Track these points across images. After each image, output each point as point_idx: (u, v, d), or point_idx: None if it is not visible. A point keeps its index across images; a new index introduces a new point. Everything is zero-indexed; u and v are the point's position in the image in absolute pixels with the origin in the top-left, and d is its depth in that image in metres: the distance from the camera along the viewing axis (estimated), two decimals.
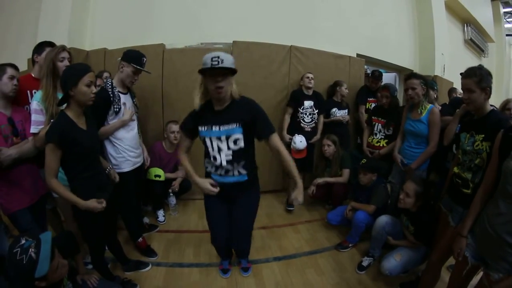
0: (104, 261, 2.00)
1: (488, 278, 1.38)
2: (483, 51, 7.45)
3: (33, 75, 2.11)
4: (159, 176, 3.01)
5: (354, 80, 4.09)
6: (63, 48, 1.97)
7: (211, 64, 1.51)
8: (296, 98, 3.46)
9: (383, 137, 3.00)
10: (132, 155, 2.27)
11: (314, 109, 3.45)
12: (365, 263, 2.43)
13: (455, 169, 1.75)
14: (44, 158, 1.58)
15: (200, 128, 1.75)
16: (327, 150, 3.18)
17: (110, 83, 2.12)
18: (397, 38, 4.99)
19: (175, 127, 3.12)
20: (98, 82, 2.66)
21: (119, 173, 2.14)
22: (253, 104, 1.77)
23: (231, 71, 1.58)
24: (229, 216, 1.98)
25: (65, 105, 1.63)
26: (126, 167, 2.24)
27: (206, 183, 1.82)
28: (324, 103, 3.58)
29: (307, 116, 3.44)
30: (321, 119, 3.56)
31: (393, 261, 2.11)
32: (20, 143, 1.82)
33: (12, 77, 1.81)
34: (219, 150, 1.74)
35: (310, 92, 3.48)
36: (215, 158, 1.76)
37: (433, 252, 1.91)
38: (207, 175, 1.90)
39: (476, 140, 1.60)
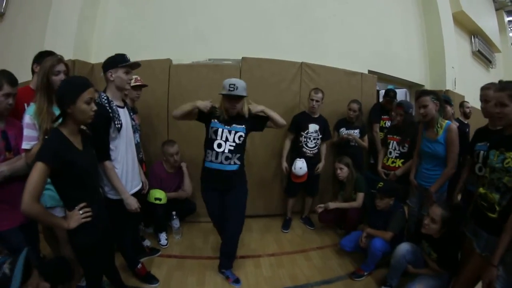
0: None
1: None
2: (490, 62, 7.33)
3: (31, 87, 2.01)
4: (160, 200, 2.88)
5: (367, 97, 3.97)
6: (59, 60, 1.86)
7: (228, 90, 2.11)
8: (298, 123, 3.32)
9: (398, 155, 2.91)
10: (129, 178, 2.07)
11: (319, 134, 3.31)
12: None
13: (481, 190, 1.67)
14: None
15: (213, 121, 2.24)
16: (340, 173, 3.08)
17: (105, 97, 1.90)
18: (407, 53, 4.92)
19: (172, 149, 2.99)
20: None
21: (113, 200, 1.96)
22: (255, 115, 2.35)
23: (243, 97, 2.18)
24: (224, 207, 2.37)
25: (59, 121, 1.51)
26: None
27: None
28: (328, 130, 3.43)
29: (311, 141, 3.29)
30: (325, 146, 3.44)
31: None
32: (13, 159, 1.73)
33: (7, 95, 1.70)
34: (226, 139, 2.21)
35: (316, 115, 3.34)
36: (219, 146, 2.21)
37: (457, 281, 1.84)
38: (206, 164, 2.29)
39: (506, 157, 1.54)
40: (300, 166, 3.17)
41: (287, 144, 3.39)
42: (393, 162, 2.92)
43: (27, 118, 1.71)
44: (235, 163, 2.25)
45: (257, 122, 2.34)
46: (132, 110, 2.47)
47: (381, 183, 2.61)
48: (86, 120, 1.50)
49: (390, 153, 2.96)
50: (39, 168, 1.32)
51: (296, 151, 3.33)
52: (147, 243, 2.91)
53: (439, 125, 2.33)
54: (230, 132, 2.21)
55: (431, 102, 2.32)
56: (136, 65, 2.05)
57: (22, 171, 1.70)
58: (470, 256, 1.74)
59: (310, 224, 3.53)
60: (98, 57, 3.59)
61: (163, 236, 2.99)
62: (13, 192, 1.69)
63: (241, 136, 2.24)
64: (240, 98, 2.16)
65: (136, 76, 2.72)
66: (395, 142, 2.94)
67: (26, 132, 1.70)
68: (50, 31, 3.47)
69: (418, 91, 2.49)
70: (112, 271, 2.04)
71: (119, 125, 1.92)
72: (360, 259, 2.67)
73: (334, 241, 3.13)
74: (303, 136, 3.29)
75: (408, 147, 2.84)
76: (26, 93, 1.95)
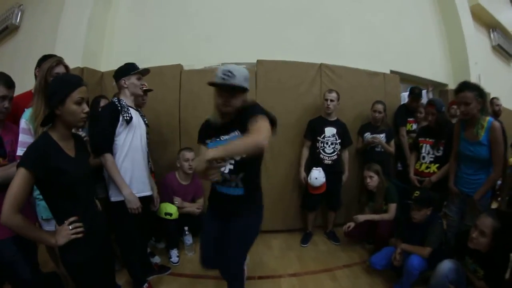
0: None
1: None
2: (511, 56, 6.87)
3: (33, 92, 1.91)
4: (170, 215, 2.67)
5: (391, 98, 3.69)
6: (58, 61, 1.79)
7: (221, 79, 1.48)
8: (313, 128, 3.12)
9: (432, 159, 2.63)
10: (134, 178, 2.03)
11: (337, 138, 3.05)
12: None
13: None
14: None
15: (207, 141, 1.68)
16: (370, 182, 2.79)
17: (116, 99, 2.02)
18: (427, 51, 4.66)
19: (189, 155, 2.83)
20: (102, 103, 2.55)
21: (117, 202, 1.94)
22: (254, 104, 1.61)
23: (241, 89, 1.51)
24: (222, 236, 1.77)
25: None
26: None
27: None
28: (348, 134, 3.17)
29: (328, 146, 3.04)
30: (347, 154, 3.19)
31: None
32: (7, 165, 1.61)
33: (3, 98, 1.61)
34: None
35: (333, 118, 3.11)
36: None
37: None
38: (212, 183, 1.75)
39: None
40: (316, 176, 2.92)
41: (305, 152, 3.17)
42: (427, 167, 2.64)
43: (23, 123, 1.65)
44: (237, 186, 1.62)
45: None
46: None
47: (417, 192, 2.32)
48: (77, 123, 1.35)
49: (423, 157, 2.67)
50: (21, 175, 1.19)
51: (314, 159, 3.09)
52: (156, 259, 2.70)
53: (480, 125, 2.07)
54: None
55: (474, 100, 2.04)
56: (146, 71, 2.17)
57: None
58: None
59: (335, 239, 3.22)
60: (108, 65, 3.56)
61: (174, 253, 2.76)
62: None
63: None
64: (235, 91, 1.50)
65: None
66: (428, 146, 2.66)
67: (21, 137, 1.62)
68: (60, 41, 3.50)
69: (459, 84, 2.17)
70: None
71: (128, 117, 1.95)
72: (392, 278, 2.39)
73: (363, 257, 2.82)
74: (319, 142, 3.06)
75: (443, 150, 2.56)
76: (28, 98, 1.86)
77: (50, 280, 1.58)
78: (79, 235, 1.32)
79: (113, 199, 1.95)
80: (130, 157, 1.99)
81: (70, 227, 1.31)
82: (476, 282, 1.82)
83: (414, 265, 2.11)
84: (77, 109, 1.29)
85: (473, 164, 2.15)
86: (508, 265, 1.79)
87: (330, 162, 3.05)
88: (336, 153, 3.06)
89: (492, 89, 4.62)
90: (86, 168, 1.46)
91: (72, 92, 1.27)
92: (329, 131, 3.04)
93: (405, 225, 2.41)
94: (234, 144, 1.39)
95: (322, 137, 3.05)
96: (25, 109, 1.79)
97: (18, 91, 1.89)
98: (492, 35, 6.26)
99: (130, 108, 2.01)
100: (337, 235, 3.24)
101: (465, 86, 2.10)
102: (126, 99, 2.05)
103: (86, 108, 1.33)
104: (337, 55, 3.62)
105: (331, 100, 3.01)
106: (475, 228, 1.80)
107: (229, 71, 1.47)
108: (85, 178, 1.43)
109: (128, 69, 2.06)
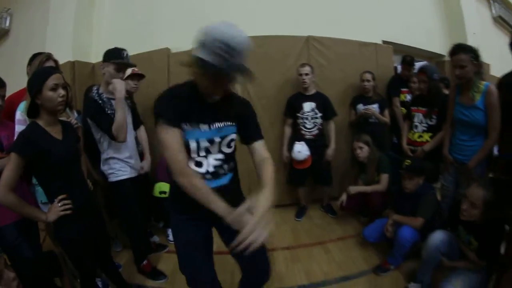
0: (96, 285, 1.83)
1: None
2: None
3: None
4: (165, 193, 2.71)
5: (383, 69, 3.57)
6: (47, 57, 1.94)
7: (224, 58, 0.99)
8: (291, 105, 3.08)
9: (425, 129, 2.55)
10: (130, 161, 2.12)
11: (317, 112, 3.00)
12: None
13: None
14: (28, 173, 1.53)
15: (183, 126, 1.17)
16: (360, 153, 2.75)
17: (96, 90, 1.99)
18: (422, 21, 4.44)
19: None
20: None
21: (116, 181, 2.05)
22: (248, 102, 1.41)
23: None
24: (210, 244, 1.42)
25: None
26: (124, 174, 2.08)
27: None
28: (330, 106, 3.08)
29: (309, 122, 3.01)
30: (332, 126, 3.09)
31: None
32: (5, 158, 1.71)
33: None
34: (207, 154, 1.25)
35: (311, 92, 3.05)
36: (199, 164, 1.24)
37: (508, 277, 1.57)
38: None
39: None
40: (299, 149, 2.90)
41: (287, 131, 3.16)
42: (419, 136, 2.57)
43: (18, 115, 1.78)
44: (225, 174, 1.32)
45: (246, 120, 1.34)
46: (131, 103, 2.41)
47: (407, 160, 2.27)
48: (56, 107, 1.46)
49: (416, 126, 2.60)
50: (12, 159, 1.35)
51: (296, 135, 3.08)
52: (155, 239, 2.79)
53: (475, 88, 1.99)
54: (213, 141, 1.23)
55: (470, 63, 1.96)
56: (129, 65, 2.08)
57: None
58: None
59: (332, 212, 3.22)
60: (98, 56, 3.45)
61: (171, 231, 2.83)
62: None
63: (232, 140, 1.30)
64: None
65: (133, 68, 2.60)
66: (420, 114, 2.58)
67: (18, 128, 1.76)
68: (50, 38, 3.60)
69: (453, 46, 2.06)
70: (111, 270, 1.95)
71: (110, 112, 1.94)
72: (385, 250, 2.36)
73: (357, 230, 2.80)
74: (299, 118, 3.03)
75: (436, 118, 2.48)
76: (22, 95, 1.95)
77: (47, 258, 1.74)
78: (68, 212, 1.45)
79: (110, 179, 2.06)
80: (116, 145, 2.03)
81: (59, 204, 1.44)
82: (469, 254, 1.74)
83: (406, 236, 2.08)
84: (53, 95, 1.40)
85: (468, 130, 2.08)
86: (502, 239, 1.69)
87: (311, 137, 3.02)
88: (317, 127, 3.03)
89: (493, 61, 4.41)
90: (73, 150, 1.58)
91: (46, 80, 1.39)
92: (308, 106, 3.01)
93: (397, 195, 2.37)
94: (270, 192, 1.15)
95: (301, 113, 3.02)
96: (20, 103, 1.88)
97: (14, 90, 2.06)
98: (492, 6, 5.90)
99: (111, 101, 1.96)
100: (334, 208, 3.23)
101: (460, 48, 2.00)
102: (105, 88, 1.98)
103: (61, 93, 1.43)
104: (325, 26, 3.50)
105: (306, 74, 2.96)
106: (466, 199, 1.71)
107: (231, 48, 0.98)
108: (72, 158, 1.56)
109: (110, 56, 1.97)
